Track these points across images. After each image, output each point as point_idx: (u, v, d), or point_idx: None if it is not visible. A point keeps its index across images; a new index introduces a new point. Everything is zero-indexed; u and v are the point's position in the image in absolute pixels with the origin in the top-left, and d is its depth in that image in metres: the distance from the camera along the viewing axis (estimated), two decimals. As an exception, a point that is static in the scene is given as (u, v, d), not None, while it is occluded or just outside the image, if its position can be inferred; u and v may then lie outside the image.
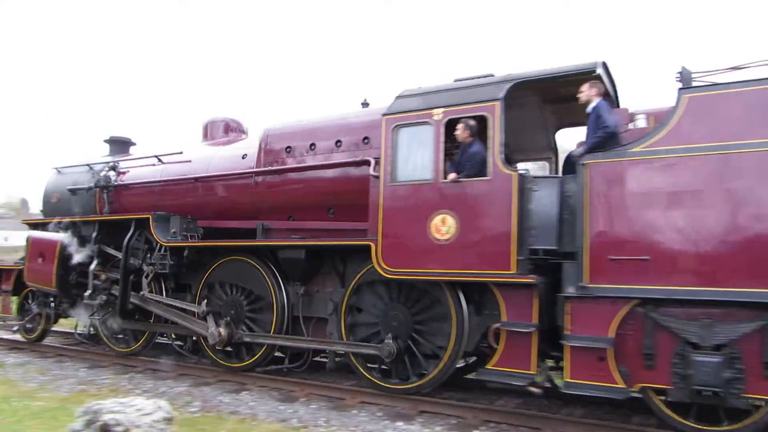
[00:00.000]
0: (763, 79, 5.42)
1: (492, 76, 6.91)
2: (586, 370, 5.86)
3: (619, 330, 5.81)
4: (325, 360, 8.48)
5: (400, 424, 6.67)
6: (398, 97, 7.32)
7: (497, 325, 6.50)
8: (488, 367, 6.59)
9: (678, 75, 5.84)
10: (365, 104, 8.68)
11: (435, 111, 6.77)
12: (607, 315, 5.79)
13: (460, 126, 6.80)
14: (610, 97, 6.79)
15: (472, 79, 7.02)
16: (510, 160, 7.25)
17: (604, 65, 6.57)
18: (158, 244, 8.86)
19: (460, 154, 6.86)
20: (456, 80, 7.22)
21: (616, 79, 7.05)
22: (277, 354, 8.67)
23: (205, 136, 10.47)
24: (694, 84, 5.78)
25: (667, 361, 5.57)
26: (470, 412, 6.87)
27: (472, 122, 6.75)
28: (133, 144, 11.72)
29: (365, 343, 7.46)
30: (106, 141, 11.44)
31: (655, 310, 5.67)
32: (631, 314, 5.78)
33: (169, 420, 1.59)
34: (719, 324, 5.36)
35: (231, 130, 10.29)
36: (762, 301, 5.11)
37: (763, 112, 5.27)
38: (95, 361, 10.07)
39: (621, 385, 5.70)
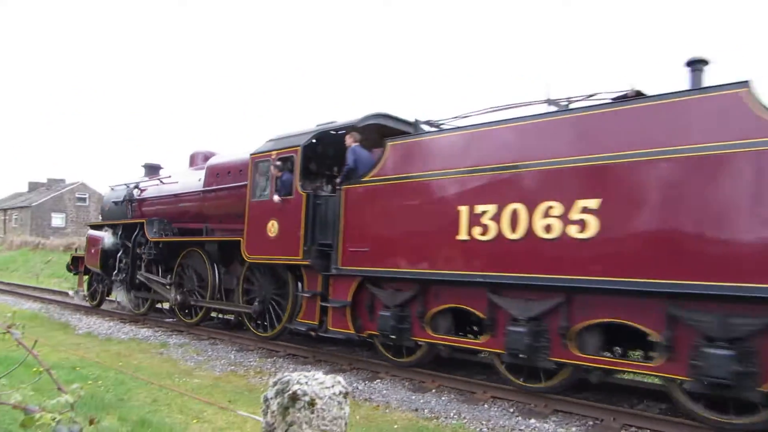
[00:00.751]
0: (434, 130, 8.36)
1: (334, 122, 9.75)
2: (338, 322, 9.08)
3: (355, 296, 8.85)
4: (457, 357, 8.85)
5: (533, 421, 6.51)
6: (266, 142, 10.46)
7: (298, 293, 9.86)
8: (297, 319, 9.82)
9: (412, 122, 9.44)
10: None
11: (272, 152, 10.03)
12: (348, 286, 8.89)
13: (274, 164, 9.90)
14: (374, 140, 9.18)
15: (325, 124, 9.86)
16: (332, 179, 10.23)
17: (384, 116, 9.33)
18: (147, 240, 13.11)
19: (280, 181, 9.79)
20: (317, 125, 9.92)
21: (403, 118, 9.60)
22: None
23: (191, 163, 14.34)
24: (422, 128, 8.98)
25: (376, 316, 8.50)
26: (609, 414, 6.49)
27: (278, 162, 9.76)
28: (162, 168, 15.84)
29: (245, 305, 10.95)
30: (142, 166, 15.82)
31: (371, 283, 8.59)
32: (360, 286, 8.78)
33: (345, 394, 1.81)
34: (401, 293, 8.17)
35: (206, 158, 13.39)
36: (419, 277, 7.77)
37: (438, 153, 7.68)
38: (243, 345, 11.07)
39: (353, 331, 8.85)
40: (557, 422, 6.56)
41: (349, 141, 8.94)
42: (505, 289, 6.99)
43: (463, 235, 7.14)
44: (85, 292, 16.20)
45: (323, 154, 10.14)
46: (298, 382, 1.90)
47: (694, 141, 5.53)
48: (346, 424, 1.84)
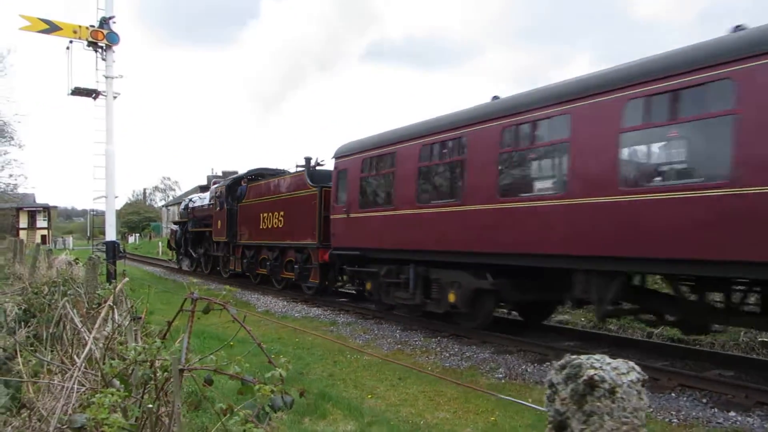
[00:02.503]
0: (259, 180, 19.38)
1: (237, 173, 23.34)
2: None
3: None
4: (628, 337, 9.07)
5: (733, 414, 5.95)
6: (213, 185, 23.85)
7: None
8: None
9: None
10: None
11: (222, 188, 21.76)
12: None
13: (217, 194, 22.05)
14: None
15: (234, 174, 23.58)
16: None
17: (263, 168, 20.66)
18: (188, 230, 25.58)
19: (219, 201, 21.56)
20: (229, 177, 23.92)
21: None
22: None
23: (210, 186, 24.43)
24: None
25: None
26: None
27: (222, 191, 21.35)
28: (208, 187, 24.94)
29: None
30: (200, 187, 27.50)
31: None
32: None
33: (643, 382, 1.54)
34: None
35: (215, 183, 23.40)
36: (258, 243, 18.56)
37: (257, 189, 18.79)
38: (407, 324, 11.41)
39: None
40: (763, 416, 5.87)
41: (243, 183, 20.31)
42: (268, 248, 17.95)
43: (264, 225, 17.61)
44: (173, 259, 30.03)
45: (234, 189, 20.76)
46: (592, 366, 1.71)
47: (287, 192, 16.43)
48: (645, 416, 1.68)
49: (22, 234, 58.89)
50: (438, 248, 10.14)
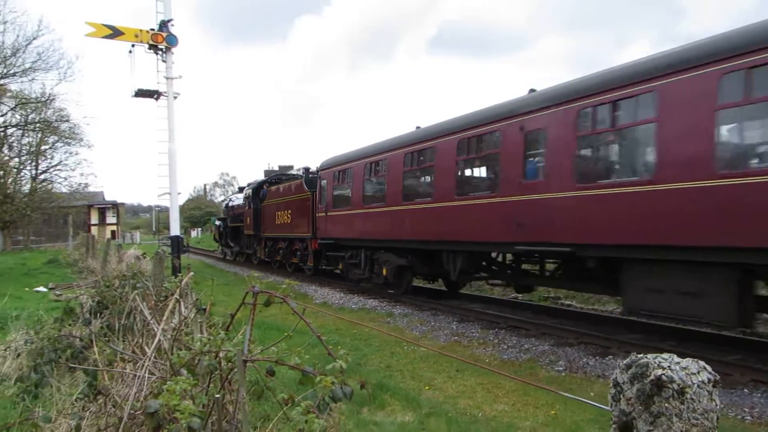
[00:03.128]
0: (275, 186, 23.65)
1: (260, 178, 28.28)
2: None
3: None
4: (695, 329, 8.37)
5: None
6: (245, 188, 29.17)
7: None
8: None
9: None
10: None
11: (248, 191, 26.99)
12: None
13: (246, 195, 27.06)
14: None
15: (256, 181, 28.21)
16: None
17: (280, 173, 27.50)
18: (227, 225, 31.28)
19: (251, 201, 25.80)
20: (250, 182, 28.72)
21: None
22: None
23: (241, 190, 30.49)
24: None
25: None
26: None
27: (249, 192, 26.39)
28: (244, 188, 29.02)
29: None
30: (239, 187, 32.52)
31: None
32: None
33: (714, 382, 1.53)
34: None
35: (249, 185, 27.46)
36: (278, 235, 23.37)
37: (274, 192, 23.37)
38: (463, 316, 11.40)
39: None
40: None
41: (264, 187, 24.52)
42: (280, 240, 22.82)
43: (278, 221, 21.87)
44: (218, 250, 35.88)
45: (258, 191, 24.80)
46: (659, 366, 1.68)
47: (291, 194, 20.69)
48: (717, 418, 1.60)
49: (93, 230, 62.25)
50: (376, 237, 14.44)
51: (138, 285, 5.61)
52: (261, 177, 28.48)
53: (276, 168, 34.40)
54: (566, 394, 5.32)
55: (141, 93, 16.59)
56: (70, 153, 38.73)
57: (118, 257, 12.74)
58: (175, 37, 15.86)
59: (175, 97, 16.40)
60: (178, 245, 16.25)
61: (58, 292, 14.65)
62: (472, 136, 10.81)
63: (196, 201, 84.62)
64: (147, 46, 15.71)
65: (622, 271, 8.06)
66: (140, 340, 4.05)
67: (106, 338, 4.57)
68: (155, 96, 16.55)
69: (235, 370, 2.43)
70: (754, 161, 6.67)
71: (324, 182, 17.54)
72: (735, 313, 6.89)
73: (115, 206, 71.61)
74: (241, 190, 30.45)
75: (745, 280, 6.94)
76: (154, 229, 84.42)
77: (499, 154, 10.00)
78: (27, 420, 3.56)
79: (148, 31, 15.60)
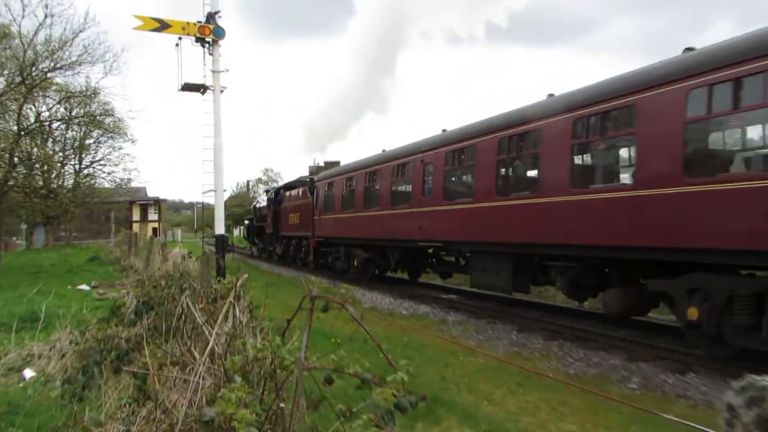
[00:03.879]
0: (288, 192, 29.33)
1: (283, 182, 39.24)
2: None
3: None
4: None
5: None
6: (264, 193, 40.50)
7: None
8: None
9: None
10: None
11: (270, 192, 34.56)
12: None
13: (269, 197, 32.93)
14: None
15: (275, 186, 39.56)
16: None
17: (297, 180, 29.08)
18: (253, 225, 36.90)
19: (273, 203, 31.00)
20: (271, 187, 43.98)
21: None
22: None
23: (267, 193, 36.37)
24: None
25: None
26: None
27: (272, 196, 31.49)
28: (269, 190, 36.14)
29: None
30: (265, 190, 42.34)
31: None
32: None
33: None
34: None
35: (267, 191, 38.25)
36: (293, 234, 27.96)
37: (288, 198, 28.86)
38: (523, 325, 11.15)
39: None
40: None
41: (281, 191, 29.97)
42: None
43: (291, 222, 26.96)
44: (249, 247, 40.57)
45: (277, 195, 30.16)
46: None
47: (300, 199, 26.04)
48: None
49: (135, 227, 64.49)
50: (351, 235, 19.54)
51: (184, 286, 5.74)
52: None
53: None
54: (671, 417, 5.13)
55: (187, 87, 16.90)
56: (114, 148, 40.41)
57: (162, 256, 13.11)
58: (222, 29, 16.10)
59: (222, 91, 16.55)
60: (223, 244, 16.65)
61: (101, 291, 15.09)
62: (398, 164, 16.42)
63: (239, 198, 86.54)
64: (194, 38, 15.98)
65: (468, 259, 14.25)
66: (189, 343, 4.13)
67: (155, 341, 4.68)
68: (201, 90, 16.83)
69: (292, 377, 2.43)
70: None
71: (317, 191, 23.04)
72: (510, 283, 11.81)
73: (157, 203, 73.82)
74: (267, 192, 35.61)
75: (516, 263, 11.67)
76: (195, 226, 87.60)
77: (412, 177, 15.56)
78: (76, 423, 3.70)
79: (195, 24, 15.90)
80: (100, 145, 40.93)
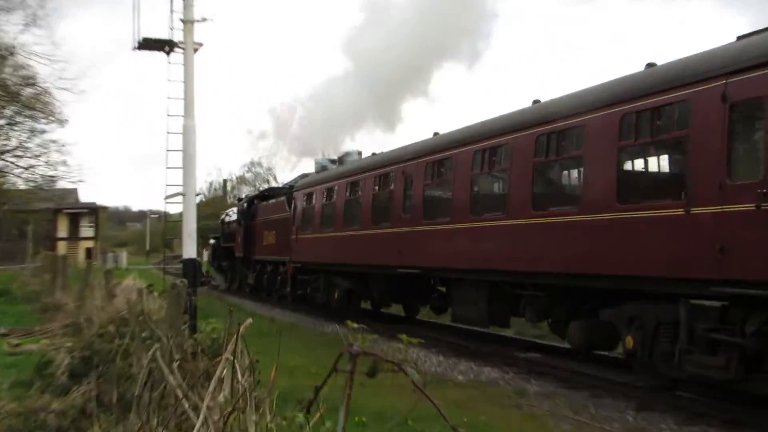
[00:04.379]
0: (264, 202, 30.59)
1: (254, 191, 41.67)
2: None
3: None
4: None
5: None
6: (234, 210, 34.86)
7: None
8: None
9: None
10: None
11: (243, 204, 33.63)
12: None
13: (240, 209, 31.42)
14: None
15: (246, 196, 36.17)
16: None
17: (271, 188, 35.76)
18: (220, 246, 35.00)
19: (243, 215, 30.21)
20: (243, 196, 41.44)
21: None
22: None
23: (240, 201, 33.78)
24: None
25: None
26: None
27: (245, 206, 31.78)
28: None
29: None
30: (238, 199, 38.01)
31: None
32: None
33: None
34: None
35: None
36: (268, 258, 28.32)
37: (264, 208, 31.28)
38: (641, 403, 9.85)
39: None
40: None
41: (255, 201, 29.32)
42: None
43: (265, 242, 28.48)
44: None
45: (250, 206, 30.14)
46: None
47: (277, 213, 27.57)
48: None
49: (61, 246, 61.29)
50: (329, 261, 21.15)
51: (146, 335, 5.65)
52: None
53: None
54: None
55: (147, 44, 15.10)
56: (34, 132, 37.05)
57: (107, 290, 12.21)
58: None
59: (196, 50, 14.63)
60: (194, 273, 14.23)
61: (14, 341, 14.42)
62: (379, 174, 18.42)
63: (212, 205, 71.87)
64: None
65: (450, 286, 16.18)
66: (156, 422, 4.01)
67: (104, 416, 4.50)
68: (167, 49, 14.86)
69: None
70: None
71: (296, 203, 23.59)
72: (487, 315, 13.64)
73: (94, 211, 69.81)
74: (239, 202, 34.09)
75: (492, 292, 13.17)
76: (148, 246, 77.85)
77: (392, 192, 17.66)
78: None
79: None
80: (14, 127, 36.91)
